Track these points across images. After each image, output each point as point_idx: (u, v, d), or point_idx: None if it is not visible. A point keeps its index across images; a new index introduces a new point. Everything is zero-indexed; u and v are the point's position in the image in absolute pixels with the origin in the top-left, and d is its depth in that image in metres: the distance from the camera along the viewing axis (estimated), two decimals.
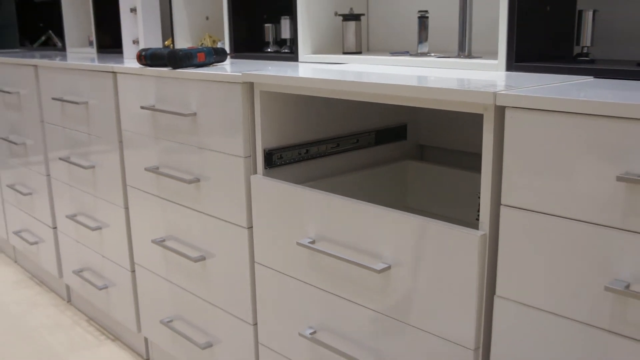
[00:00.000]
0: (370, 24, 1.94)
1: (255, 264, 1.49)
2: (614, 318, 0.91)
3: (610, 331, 0.92)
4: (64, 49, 3.12)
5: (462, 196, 1.64)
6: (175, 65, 1.64)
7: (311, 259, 1.34)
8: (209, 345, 1.71)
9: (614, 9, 1.42)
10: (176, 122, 1.66)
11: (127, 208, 1.98)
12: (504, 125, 1.00)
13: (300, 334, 1.38)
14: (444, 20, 1.74)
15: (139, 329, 2.05)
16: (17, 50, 3.38)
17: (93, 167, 2.10)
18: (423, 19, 1.62)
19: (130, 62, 2.02)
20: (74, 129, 2.20)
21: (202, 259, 1.65)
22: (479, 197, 1.06)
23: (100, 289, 2.19)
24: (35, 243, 2.65)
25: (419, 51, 1.63)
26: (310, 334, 1.36)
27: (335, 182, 1.56)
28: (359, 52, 1.80)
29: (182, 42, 2.27)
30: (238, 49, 2.03)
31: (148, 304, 1.96)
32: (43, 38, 3.52)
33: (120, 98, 1.90)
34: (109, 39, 2.81)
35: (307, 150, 1.52)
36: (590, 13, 1.31)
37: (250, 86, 1.44)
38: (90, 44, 3.01)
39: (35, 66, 2.39)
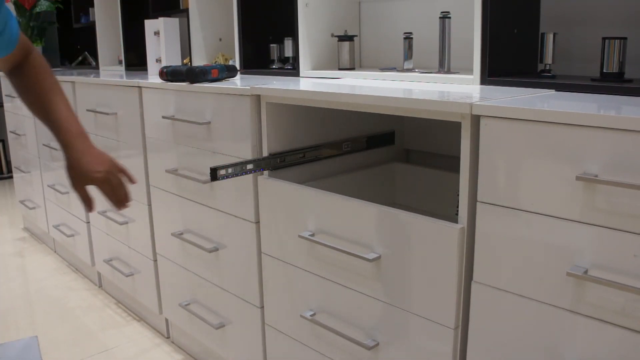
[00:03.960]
0: (362, 44, 1.94)
1: (262, 254, 1.49)
2: (574, 299, 0.91)
3: (571, 311, 0.92)
4: (97, 67, 3.12)
5: (443, 194, 1.63)
6: (193, 81, 1.63)
7: (311, 249, 1.33)
8: (221, 325, 1.70)
9: (572, 32, 1.42)
10: (193, 130, 1.65)
11: (150, 205, 1.97)
12: (479, 132, 1.00)
13: (301, 316, 1.37)
14: (426, 40, 1.73)
15: (161, 311, 2.04)
16: (58, 68, 3.38)
17: None
18: (408, 39, 1.61)
19: (153, 78, 2.01)
20: (105, 136, 2.19)
21: (215, 249, 1.65)
22: (458, 195, 1.06)
23: (127, 276, 2.18)
24: (72, 235, 2.64)
25: (404, 67, 1.63)
26: (311, 315, 1.36)
27: (331, 182, 1.56)
28: (352, 68, 1.79)
29: (199, 60, 2.26)
30: (247, 66, 2.03)
31: (168, 289, 1.95)
32: (80, 58, 3.52)
33: (144, 109, 1.90)
34: (135, 58, 2.81)
35: (307, 154, 1.51)
36: (552, 35, 1.31)
37: (257, 98, 1.44)
38: (120, 62, 3.01)
39: (73, 82, 2.38)
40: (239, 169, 1.32)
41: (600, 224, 0.87)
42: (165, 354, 2.00)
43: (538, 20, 1.40)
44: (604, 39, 1.20)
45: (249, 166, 1.34)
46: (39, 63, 1.08)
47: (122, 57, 2.80)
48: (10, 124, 3.28)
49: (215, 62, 2.26)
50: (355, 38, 1.83)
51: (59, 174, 2.66)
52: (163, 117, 1.74)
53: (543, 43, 1.32)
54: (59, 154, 2.61)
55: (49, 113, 1.05)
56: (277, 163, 1.43)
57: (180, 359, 1.97)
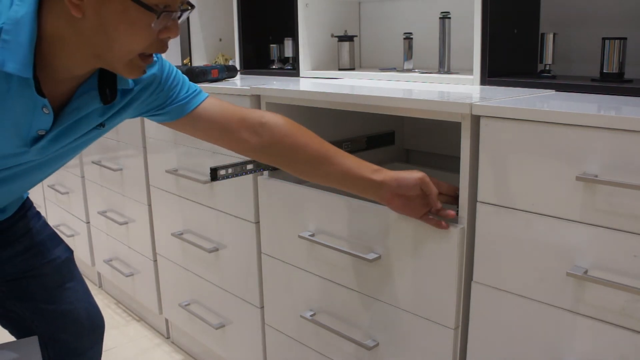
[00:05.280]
0: (362, 44, 1.94)
1: (262, 254, 1.49)
2: (574, 299, 0.91)
3: (571, 311, 0.92)
4: None
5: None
6: (193, 81, 1.63)
7: (311, 250, 1.33)
8: (221, 325, 1.70)
9: (571, 32, 1.42)
10: None
11: (150, 205, 1.97)
12: (479, 132, 1.00)
13: (301, 316, 1.37)
14: (426, 40, 1.74)
15: (161, 311, 2.05)
16: None
17: (121, 169, 2.10)
18: (408, 40, 1.61)
19: None
20: (104, 136, 2.18)
21: (215, 249, 1.65)
22: (458, 195, 1.06)
23: (127, 276, 2.18)
24: (72, 235, 2.64)
25: (404, 67, 1.63)
26: (311, 316, 1.36)
27: None
28: (352, 69, 1.79)
29: (199, 60, 2.26)
30: (247, 66, 2.03)
31: (168, 289, 1.95)
32: None
33: None
34: None
35: None
36: (552, 35, 1.31)
37: (257, 98, 1.44)
38: None
39: None
40: (239, 169, 1.32)
41: (600, 224, 0.87)
42: (165, 354, 2.00)
43: (538, 21, 1.40)
44: (604, 39, 1.20)
45: (249, 166, 1.34)
46: (284, 132, 1.10)
47: None
48: None
49: (215, 62, 2.26)
50: (355, 38, 1.83)
51: (59, 174, 2.66)
52: None
53: (543, 43, 1.32)
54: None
55: (337, 168, 1.07)
56: None
57: (180, 359, 1.97)
